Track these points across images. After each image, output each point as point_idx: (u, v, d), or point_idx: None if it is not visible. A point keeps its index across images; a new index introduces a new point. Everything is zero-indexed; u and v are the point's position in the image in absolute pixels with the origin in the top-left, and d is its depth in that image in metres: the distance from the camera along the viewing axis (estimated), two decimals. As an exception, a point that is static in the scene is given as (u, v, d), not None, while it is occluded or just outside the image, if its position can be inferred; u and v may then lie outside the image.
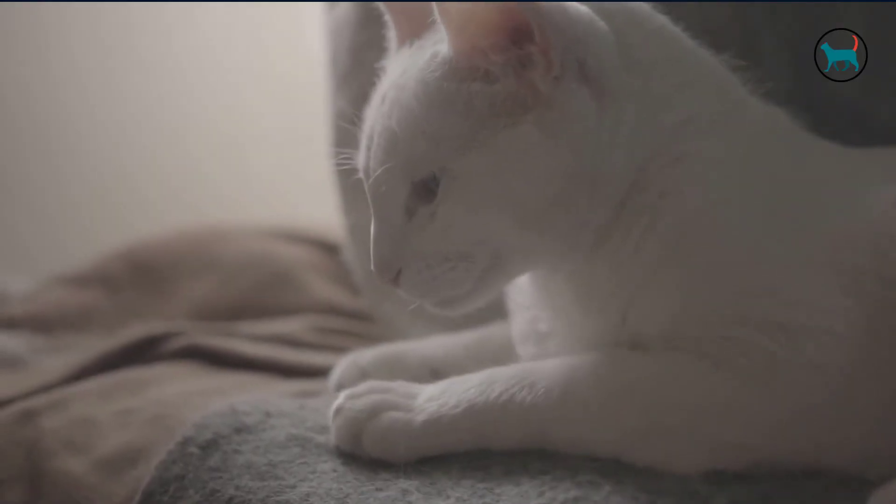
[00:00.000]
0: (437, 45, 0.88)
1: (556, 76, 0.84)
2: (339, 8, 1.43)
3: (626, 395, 0.86)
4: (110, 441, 1.03)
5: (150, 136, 2.26)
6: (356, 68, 1.34)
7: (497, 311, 1.01)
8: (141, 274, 1.60)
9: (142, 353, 1.29)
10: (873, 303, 0.84)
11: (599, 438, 0.86)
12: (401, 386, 0.93)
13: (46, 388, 1.19)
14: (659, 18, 0.93)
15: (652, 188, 0.88)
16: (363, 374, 1.04)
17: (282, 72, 2.17)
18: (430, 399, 0.90)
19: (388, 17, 0.96)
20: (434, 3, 0.84)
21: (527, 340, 0.97)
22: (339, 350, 1.27)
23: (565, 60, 0.84)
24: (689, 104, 0.90)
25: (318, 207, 1.61)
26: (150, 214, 2.14)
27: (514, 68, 0.85)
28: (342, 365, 1.08)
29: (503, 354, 0.98)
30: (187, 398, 1.09)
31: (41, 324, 1.52)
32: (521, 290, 0.98)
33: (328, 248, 1.59)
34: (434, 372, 1.00)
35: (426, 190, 0.87)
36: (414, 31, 0.93)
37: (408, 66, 0.90)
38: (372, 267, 0.89)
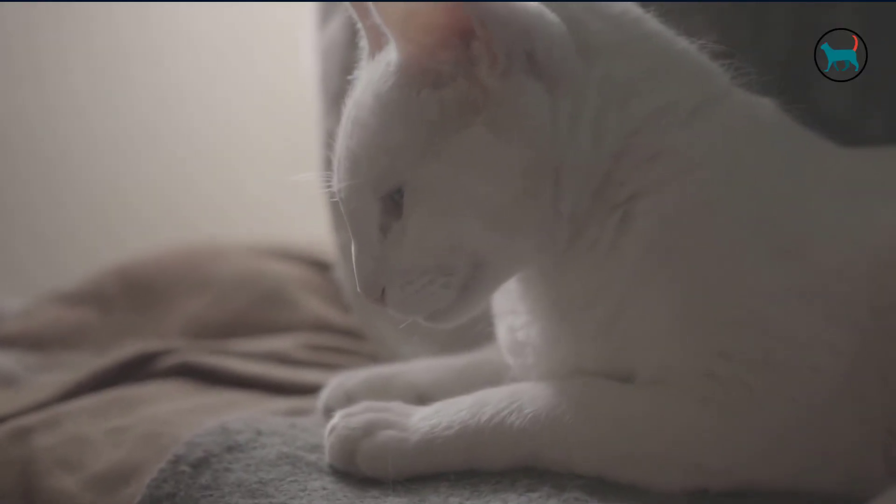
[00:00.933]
0: (391, 53, 0.86)
1: (503, 71, 0.83)
2: (330, 28, 1.44)
3: (611, 427, 0.86)
4: (103, 459, 1.04)
5: (143, 154, 2.27)
6: (347, 89, 1.35)
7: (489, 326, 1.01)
8: (134, 291, 1.60)
9: (135, 370, 1.30)
10: (862, 332, 0.84)
11: (585, 461, 0.87)
12: (397, 406, 0.93)
13: (40, 405, 1.19)
14: (620, 4, 0.91)
15: (626, 184, 0.86)
16: (349, 399, 1.03)
17: (275, 90, 2.18)
18: (424, 419, 0.90)
19: (359, 25, 0.93)
20: (371, 4, 0.82)
21: (508, 350, 0.97)
22: (331, 367, 1.28)
23: (511, 53, 0.82)
24: (662, 92, 0.88)
25: (311, 225, 1.62)
26: (143, 232, 2.14)
27: (463, 67, 0.83)
28: (330, 386, 1.09)
29: (493, 379, 0.97)
30: (180, 416, 1.09)
31: (35, 341, 1.52)
32: (502, 297, 0.97)
33: (320, 266, 1.60)
34: (420, 397, 0.99)
35: (395, 205, 0.86)
36: (385, 40, 0.90)
37: (367, 79, 0.89)
38: (357, 288, 0.89)
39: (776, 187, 0.88)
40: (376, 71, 0.87)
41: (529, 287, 0.93)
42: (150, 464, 0.97)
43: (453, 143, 0.84)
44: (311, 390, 1.17)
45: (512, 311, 0.96)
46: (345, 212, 0.89)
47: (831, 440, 0.84)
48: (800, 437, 0.84)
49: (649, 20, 0.91)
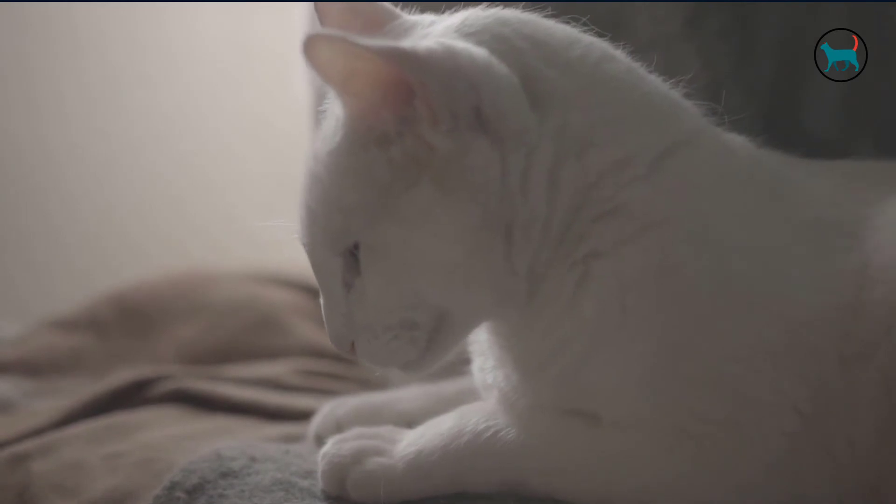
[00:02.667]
0: (338, 107, 0.84)
1: (448, 129, 0.79)
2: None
3: (579, 470, 0.86)
4: (99, 485, 1.04)
5: (136, 181, 2.29)
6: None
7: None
8: (129, 318, 1.61)
9: (129, 396, 1.30)
10: (829, 382, 0.83)
11: (565, 492, 0.87)
12: (387, 431, 0.94)
13: (36, 431, 1.21)
14: (580, 47, 0.86)
15: (585, 240, 0.83)
16: (339, 427, 1.03)
17: (268, 117, 2.20)
18: (410, 444, 0.90)
19: None
20: (312, 61, 0.78)
21: (480, 387, 0.97)
22: (325, 393, 1.29)
23: (456, 111, 0.79)
24: (621, 142, 0.84)
25: (303, 252, 1.63)
26: (137, 259, 2.16)
27: (408, 124, 0.80)
28: (321, 414, 1.10)
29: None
30: (174, 442, 1.10)
31: (31, 367, 1.53)
32: (476, 336, 0.96)
33: (313, 292, 1.59)
34: (410, 424, 0.98)
35: (356, 261, 0.84)
36: None
37: (324, 130, 0.86)
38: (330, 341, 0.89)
39: (740, 243, 0.85)
40: (329, 124, 0.85)
41: (495, 335, 0.91)
42: (145, 490, 0.98)
43: (403, 201, 0.81)
44: (304, 416, 1.18)
45: (482, 353, 0.95)
46: (311, 265, 0.88)
47: (798, 493, 0.84)
48: (766, 491, 0.84)
49: (612, 61, 0.87)
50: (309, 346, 1.52)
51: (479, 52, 0.81)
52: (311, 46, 0.77)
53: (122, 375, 1.36)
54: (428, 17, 0.89)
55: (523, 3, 0.89)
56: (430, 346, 0.87)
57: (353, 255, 0.84)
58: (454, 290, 0.84)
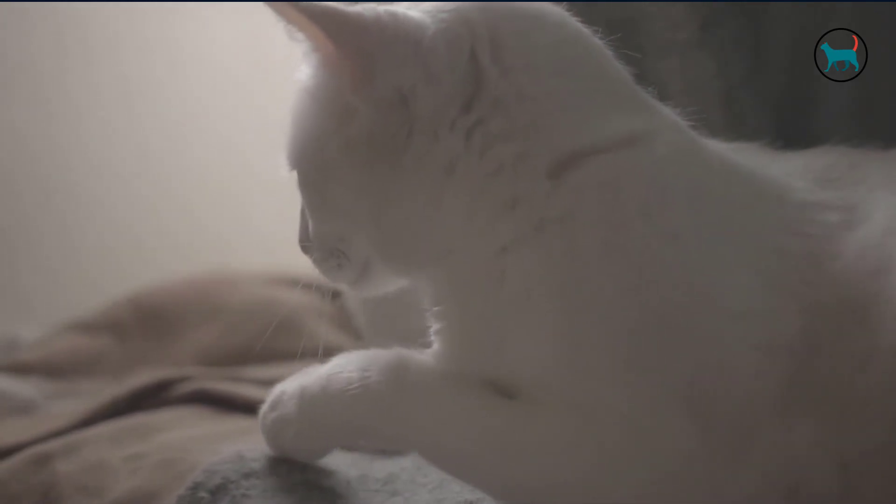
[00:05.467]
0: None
1: (367, 94, 0.83)
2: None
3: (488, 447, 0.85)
4: (122, 485, 1.06)
5: (150, 187, 2.32)
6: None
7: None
8: (148, 320, 1.63)
9: (151, 398, 1.32)
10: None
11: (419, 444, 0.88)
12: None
13: (59, 432, 1.22)
14: (539, 50, 0.85)
15: (489, 233, 0.83)
16: None
17: (280, 122, 2.21)
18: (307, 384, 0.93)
19: None
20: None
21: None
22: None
23: (378, 79, 0.83)
24: (533, 139, 0.83)
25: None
26: (152, 263, 2.17)
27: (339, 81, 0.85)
28: None
29: None
30: (196, 443, 1.12)
31: (52, 369, 1.56)
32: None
33: (332, 294, 1.61)
34: None
35: None
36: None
37: None
38: None
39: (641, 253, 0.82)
40: None
41: (435, 293, 0.91)
42: (168, 490, 1.00)
43: (325, 146, 0.86)
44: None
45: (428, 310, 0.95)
46: None
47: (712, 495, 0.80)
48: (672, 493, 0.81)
49: (566, 69, 0.85)
50: (327, 347, 1.53)
51: (421, 28, 0.83)
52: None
53: (143, 377, 1.37)
54: None
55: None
56: (360, 278, 0.91)
57: None
58: (366, 241, 0.88)
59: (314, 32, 0.84)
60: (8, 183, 2.24)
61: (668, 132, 0.86)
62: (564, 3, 0.89)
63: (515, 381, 0.84)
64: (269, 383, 1.37)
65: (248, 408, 1.29)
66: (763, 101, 1.15)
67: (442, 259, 0.86)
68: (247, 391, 1.33)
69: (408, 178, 0.84)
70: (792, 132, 1.09)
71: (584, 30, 0.88)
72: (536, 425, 0.82)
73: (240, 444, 1.05)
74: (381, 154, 0.83)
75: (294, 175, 0.91)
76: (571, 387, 0.82)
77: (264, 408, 0.96)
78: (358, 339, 1.51)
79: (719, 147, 0.90)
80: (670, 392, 0.80)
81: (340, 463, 0.99)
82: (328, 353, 1.50)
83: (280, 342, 1.54)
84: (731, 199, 0.85)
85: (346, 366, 0.92)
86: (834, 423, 0.78)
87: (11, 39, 2.22)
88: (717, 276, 0.81)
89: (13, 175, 2.24)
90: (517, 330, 0.83)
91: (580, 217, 0.81)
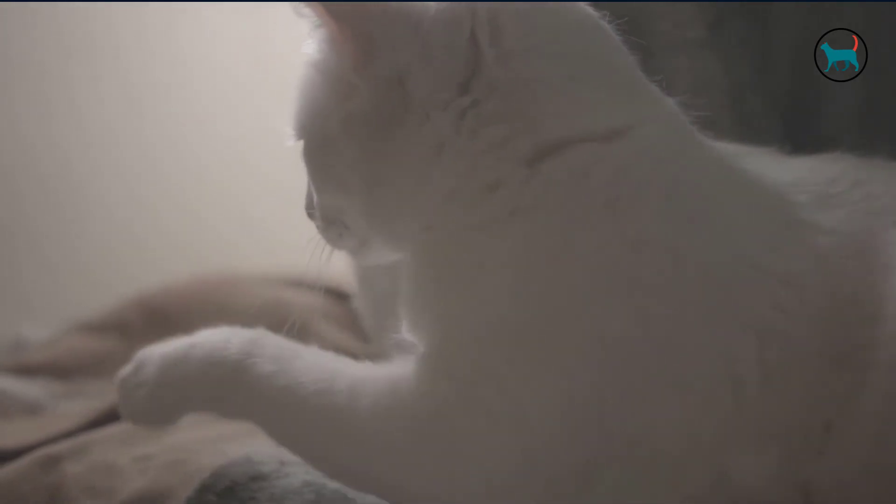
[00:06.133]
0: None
1: (367, 71, 0.84)
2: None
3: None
4: (130, 486, 1.06)
5: (154, 188, 2.32)
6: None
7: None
8: (155, 321, 1.62)
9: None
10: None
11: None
12: None
13: (67, 433, 1.23)
14: (540, 36, 0.84)
15: (470, 211, 0.83)
16: None
17: (283, 123, 2.21)
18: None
19: None
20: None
21: None
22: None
23: (376, 56, 0.84)
24: (520, 124, 0.82)
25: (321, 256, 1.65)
26: (157, 264, 2.16)
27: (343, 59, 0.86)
28: None
29: None
30: (204, 444, 1.12)
31: (59, 370, 1.56)
32: None
33: (339, 296, 1.61)
34: None
35: None
36: None
37: None
38: None
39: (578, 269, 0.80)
40: None
41: (407, 269, 0.92)
42: (176, 492, 1.01)
43: (326, 120, 0.87)
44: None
45: None
46: None
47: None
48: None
49: (564, 50, 0.84)
50: (334, 349, 1.52)
51: (423, 9, 0.83)
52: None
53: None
54: None
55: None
56: (360, 247, 0.92)
57: None
58: (360, 215, 0.88)
59: (318, 10, 0.85)
60: (12, 183, 2.24)
61: (659, 126, 0.84)
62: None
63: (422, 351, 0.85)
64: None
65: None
66: (770, 101, 1.15)
67: (419, 234, 0.87)
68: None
69: (399, 155, 0.84)
70: (799, 133, 1.10)
71: (591, 15, 0.88)
72: (377, 413, 0.84)
73: (248, 446, 1.05)
74: (376, 131, 0.84)
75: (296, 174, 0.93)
76: (472, 380, 0.81)
77: (125, 370, 0.96)
78: (366, 341, 1.51)
79: (722, 148, 0.88)
80: (579, 414, 0.79)
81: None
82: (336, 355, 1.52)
83: (287, 343, 1.55)
84: (713, 204, 0.83)
85: (210, 336, 0.93)
86: (798, 453, 0.78)
87: (14, 39, 2.22)
88: (670, 305, 0.79)
89: (17, 175, 2.24)
90: (454, 304, 0.83)
91: (545, 207, 0.81)
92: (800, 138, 0.99)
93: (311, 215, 0.94)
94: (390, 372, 0.87)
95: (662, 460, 0.79)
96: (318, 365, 0.89)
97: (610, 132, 0.82)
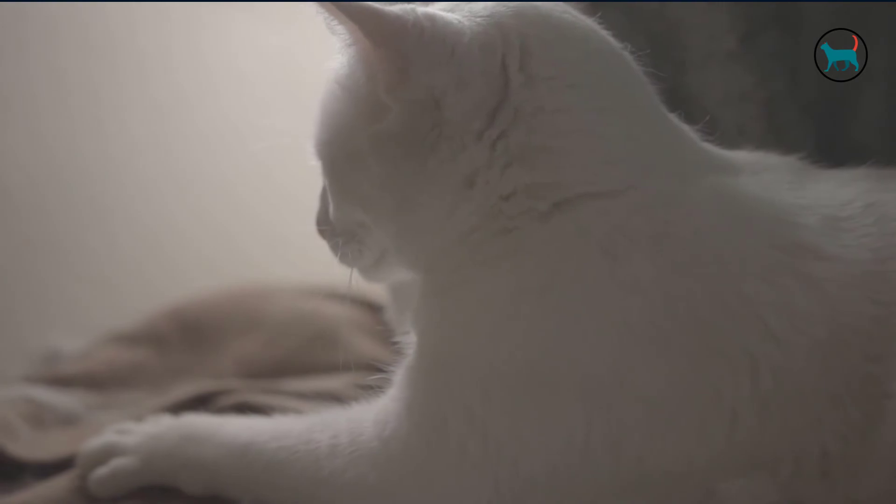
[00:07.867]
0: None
1: (399, 93, 0.84)
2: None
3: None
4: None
5: (184, 201, 2.33)
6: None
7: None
8: (188, 332, 1.63)
9: (193, 410, 1.33)
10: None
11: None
12: None
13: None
14: (568, 63, 0.85)
15: (477, 252, 0.85)
16: None
17: (308, 136, 2.22)
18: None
19: None
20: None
21: None
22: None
23: (410, 79, 0.84)
24: (546, 171, 0.84)
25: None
26: (185, 275, 2.16)
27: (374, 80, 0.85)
28: None
29: None
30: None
31: (94, 381, 1.56)
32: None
33: (370, 307, 1.62)
34: None
35: None
36: None
37: None
38: None
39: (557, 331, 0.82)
40: None
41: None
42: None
43: (352, 138, 0.87)
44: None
45: None
46: None
47: None
48: None
49: (591, 87, 0.85)
50: (366, 360, 1.53)
51: (458, 33, 0.83)
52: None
53: (185, 389, 1.39)
54: None
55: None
56: (375, 265, 0.93)
57: None
58: (385, 234, 0.89)
59: (353, 29, 0.84)
60: (42, 197, 2.25)
61: (660, 180, 0.84)
62: (605, 15, 0.90)
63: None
64: (310, 396, 1.39)
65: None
66: (802, 111, 1.15)
67: (432, 260, 0.88)
68: (287, 403, 1.34)
69: (430, 182, 0.84)
70: (831, 143, 1.09)
71: (616, 46, 0.88)
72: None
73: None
74: (408, 153, 0.84)
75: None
76: (448, 416, 0.84)
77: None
78: (399, 353, 1.51)
79: (742, 159, 0.89)
80: (561, 457, 0.80)
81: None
82: (368, 366, 1.53)
83: (319, 354, 1.56)
84: (704, 248, 0.81)
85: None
86: (790, 477, 0.78)
87: (37, 49, 2.24)
88: (660, 346, 0.79)
89: (46, 189, 2.26)
90: (447, 337, 0.86)
91: (545, 252, 0.82)
92: (832, 146, 0.99)
93: (321, 232, 0.94)
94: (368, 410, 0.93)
95: (651, 486, 0.80)
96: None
97: (617, 191, 0.83)
